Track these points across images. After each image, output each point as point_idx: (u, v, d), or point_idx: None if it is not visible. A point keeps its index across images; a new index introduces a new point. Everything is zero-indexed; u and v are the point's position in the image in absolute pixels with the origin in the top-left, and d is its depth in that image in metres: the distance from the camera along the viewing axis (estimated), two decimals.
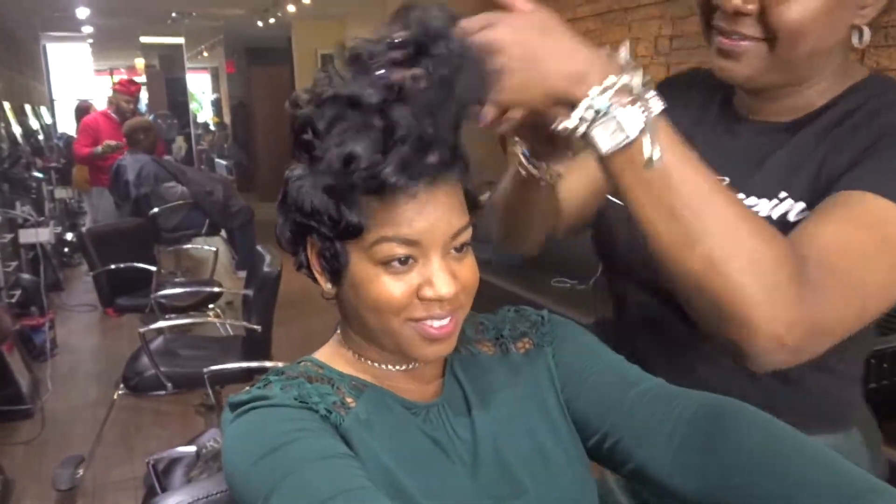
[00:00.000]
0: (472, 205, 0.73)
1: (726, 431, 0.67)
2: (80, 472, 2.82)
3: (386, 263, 0.69)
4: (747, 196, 0.86)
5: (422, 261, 0.70)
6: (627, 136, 0.67)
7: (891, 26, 2.45)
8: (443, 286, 0.69)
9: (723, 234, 0.69)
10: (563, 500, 0.77)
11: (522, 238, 1.03)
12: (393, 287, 0.69)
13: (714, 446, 0.67)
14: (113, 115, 5.39)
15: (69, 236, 6.10)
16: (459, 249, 0.72)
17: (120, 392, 2.71)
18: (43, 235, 4.39)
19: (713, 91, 0.98)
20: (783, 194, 0.84)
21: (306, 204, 0.69)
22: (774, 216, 0.84)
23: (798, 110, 0.88)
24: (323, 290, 0.76)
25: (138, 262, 3.65)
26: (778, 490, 0.61)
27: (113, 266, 3.57)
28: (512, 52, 0.65)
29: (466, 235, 0.72)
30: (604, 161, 0.69)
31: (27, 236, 4.38)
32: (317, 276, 0.76)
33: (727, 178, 0.87)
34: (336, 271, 0.72)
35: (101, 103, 6.18)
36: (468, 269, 0.73)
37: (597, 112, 0.67)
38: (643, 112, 0.66)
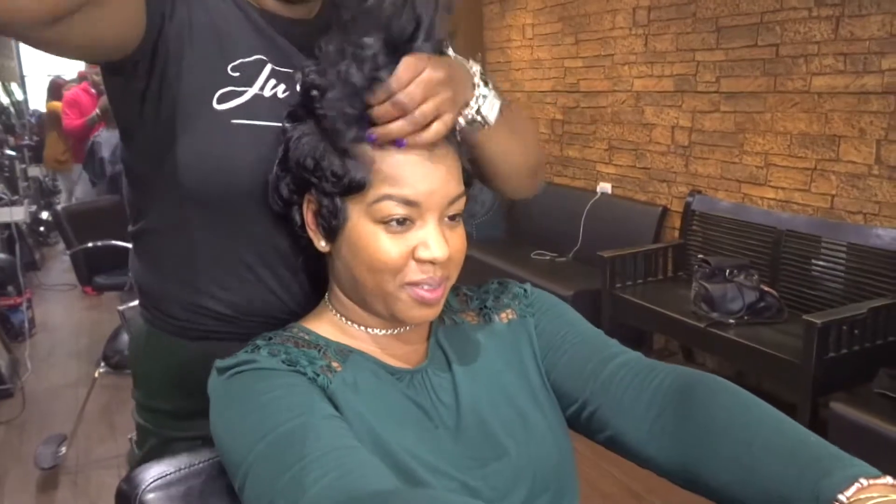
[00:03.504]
0: (466, 180, 0.78)
1: (699, 402, 0.72)
2: (63, 450, 2.82)
3: (385, 223, 0.72)
4: None
5: (419, 223, 0.73)
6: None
7: None
8: (437, 248, 0.73)
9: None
10: (543, 463, 0.79)
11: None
12: (390, 247, 0.72)
13: (688, 416, 0.71)
14: (91, 89, 5.34)
15: (44, 215, 6.01)
16: (452, 219, 0.76)
17: (101, 370, 2.70)
18: (17, 214, 4.30)
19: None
20: None
21: (308, 160, 0.73)
22: None
23: (313, 10, 0.96)
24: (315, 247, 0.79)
25: (116, 239, 3.60)
26: (745, 456, 0.66)
27: (90, 244, 3.52)
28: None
29: (460, 205, 0.76)
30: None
31: (1, 215, 4.30)
32: (311, 234, 0.78)
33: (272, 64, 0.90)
34: (333, 229, 0.75)
35: (70, 78, 6.09)
36: (459, 238, 0.77)
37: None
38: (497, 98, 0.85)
